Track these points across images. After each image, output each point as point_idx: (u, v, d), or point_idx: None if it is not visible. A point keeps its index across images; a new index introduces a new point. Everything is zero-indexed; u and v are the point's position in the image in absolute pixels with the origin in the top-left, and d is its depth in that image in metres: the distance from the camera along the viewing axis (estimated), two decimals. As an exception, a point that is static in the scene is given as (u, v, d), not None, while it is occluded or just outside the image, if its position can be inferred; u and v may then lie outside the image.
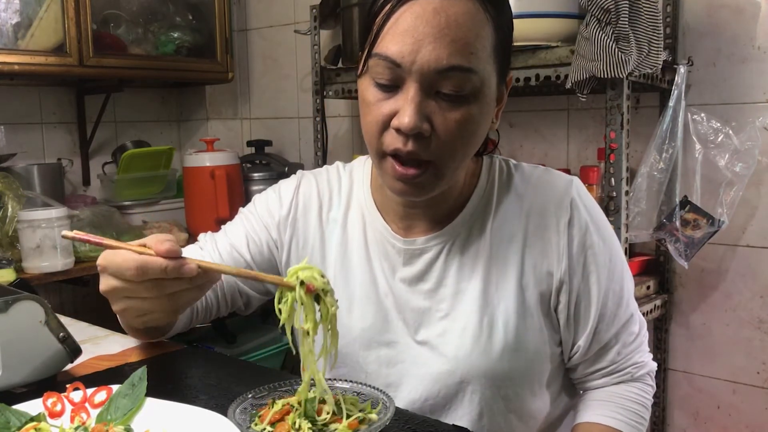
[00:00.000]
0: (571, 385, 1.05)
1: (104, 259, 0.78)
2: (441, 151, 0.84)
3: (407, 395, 0.96)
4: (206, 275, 0.77)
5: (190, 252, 1.05)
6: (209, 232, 1.12)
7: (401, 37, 0.81)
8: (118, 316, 0.89)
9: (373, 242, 1.00)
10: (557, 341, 0.98)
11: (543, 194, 0.95)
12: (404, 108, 0.82)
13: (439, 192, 0.90)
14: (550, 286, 0.94)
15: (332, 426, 0.72)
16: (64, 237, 0.78)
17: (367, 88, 0.86)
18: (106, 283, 0.79)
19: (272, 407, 0.75)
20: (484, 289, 0.94)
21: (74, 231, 0.78)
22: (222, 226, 1.12)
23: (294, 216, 1.06)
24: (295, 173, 1.11)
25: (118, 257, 0.76)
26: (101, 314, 1.13)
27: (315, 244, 1.04)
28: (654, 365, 1.02)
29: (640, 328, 1.00)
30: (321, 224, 1.05)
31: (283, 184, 1.10)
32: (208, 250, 1.07)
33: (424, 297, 0.97)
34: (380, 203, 1.00)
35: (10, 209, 1.98)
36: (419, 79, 0.81)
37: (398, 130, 0.83)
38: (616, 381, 0.99)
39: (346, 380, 0.82)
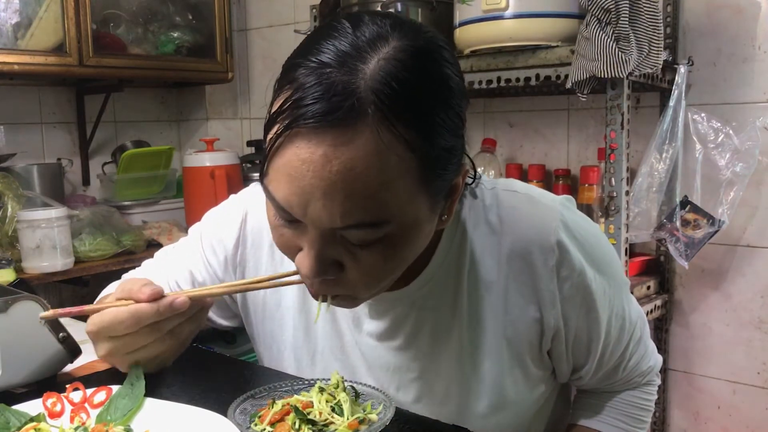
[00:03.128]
0: (563, 393, 1.02)
1: (92, 324, 0.76)
2: (359, 285, 0.71)
3: None
4: (198, 303, 0.76)
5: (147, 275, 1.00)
6: (159, 255, 1.04)
7: (287, 182, 0.64)
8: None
9: None
10: (548, 376, 0.91)
11: (524, 233, 0.81)
12: (305, 251, 0.69)
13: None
14: (539, 333, 0.84)
15: (332, 426, 0.72)
16: (42, 318, 0.78)
17: (269, 207, 0.71)
18: (103, 348, 0.77)
19: (272, 407, 0.75)
20: (464, 347, 0.84)
21: (51, 310, 0.78)
22: (176, 246, 1.03)
23: (243, 254, 0.94)
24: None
25: (107, 316, 0.75)
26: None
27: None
28: (659, 360, 0.99)
29: (642, 331, 0.93)
30: (274, 263, 0.92)
31: (229, 211, 0.97)
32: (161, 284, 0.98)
33: (395, 354, 0.86)
34: None
35: (9, 209, 1.98)
36: (316, 227, 0.66)
37: None
38: (622, 389, 0.98)
39: (345, 380, 0.82)
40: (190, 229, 1.02)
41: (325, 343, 0.90)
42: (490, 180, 0.88)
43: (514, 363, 0.85)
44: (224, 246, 0.95)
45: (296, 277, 0.77)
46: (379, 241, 0.67)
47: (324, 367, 0.90)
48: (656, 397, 1.00)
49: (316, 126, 0.61)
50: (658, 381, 1.01)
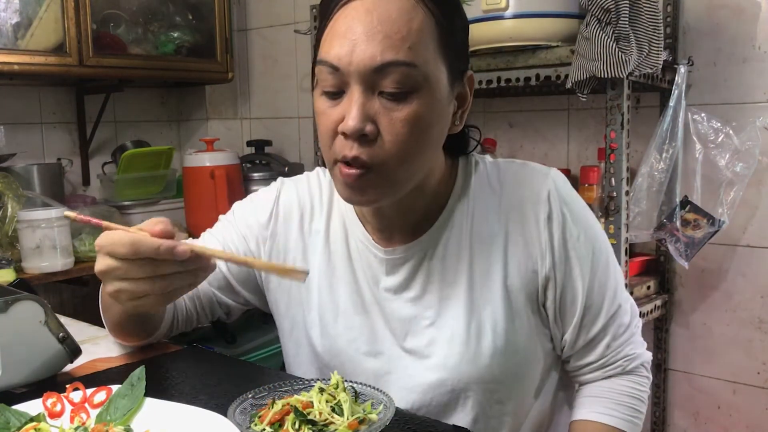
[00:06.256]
0: (567, 378, 1.05)
1: (101, 238, 0.79)
2: (389, 154, 0.83)
3: (399, 406, 0.94)
4: (199, 260, 0.77)
5: None
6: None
7: (338, 41, 0.82)
8: (110, 299, 0.88)
9: (355, 252, 1.00)
10: (549, 337, 0.98)
11: (520, 190, 0.94)
12: (348, 111, 0.82)
13: (393, 198, 0.88)
14: (536, 284, 0.93)
15: (332, 426, 0.72)
16: (66, 217, 0.84)
17: (318, 99, 0.86)
18: (101, 263, 0.80)
19: (272, 407, 0.75)
20: (469, 293, 0.93)
21: (76, 212, 0.83)
22: (203, 233, 1.11)
23: (274, 228, 1.05)
24: (296, 172, 1.09)
25: (114, 235, 0.77)
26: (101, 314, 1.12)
27: (297, 256, 1.03)
28: (648, 355, 1.02)
29: (631, 318, 0.99)
30: (303, 235, 1.04)
31: (263, 194, 1.09)
32: None
33: (410, 305, 0.96)
34: (360, 212, 1.00)
35: (10, 209, 1.98)
36: (359, 80, 0.81)
37: (345, 135, 0.82)
38: (607, 375, 0.99)
39: (345, 380, 0.82)
40: (220, 216, 1.11)
41: (347, 300, 0.99)
42: (493, 158, 1.01)
43: (515, 312, 0.93)
44: (257, 219, 1.05)
45: (300, 267, 0.81)
46: (409, 101, 0.82)
47: (345, 324, 0.99)
48: (648, 391, 1.02)
49: None
50: (649, 376, 1.02)
